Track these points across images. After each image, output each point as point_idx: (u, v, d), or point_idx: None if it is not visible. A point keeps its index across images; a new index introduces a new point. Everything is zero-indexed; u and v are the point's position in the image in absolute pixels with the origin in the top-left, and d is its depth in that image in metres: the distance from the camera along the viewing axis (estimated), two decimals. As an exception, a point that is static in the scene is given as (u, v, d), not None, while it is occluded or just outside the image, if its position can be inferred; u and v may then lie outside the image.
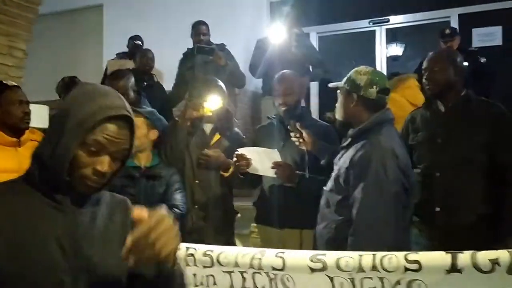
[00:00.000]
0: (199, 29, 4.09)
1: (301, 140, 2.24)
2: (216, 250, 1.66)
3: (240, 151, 2.38)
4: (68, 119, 0.98)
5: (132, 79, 2.90)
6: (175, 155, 2.49)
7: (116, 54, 4.85)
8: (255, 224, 2.58)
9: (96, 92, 1.03)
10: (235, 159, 2.36)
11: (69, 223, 1.00)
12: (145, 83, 3.97)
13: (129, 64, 4.25)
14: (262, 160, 2.31)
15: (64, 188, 1.01)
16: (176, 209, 2.30)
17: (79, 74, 4.06)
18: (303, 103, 2.75)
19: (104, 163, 1.00)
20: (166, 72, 4.26)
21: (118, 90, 2.87)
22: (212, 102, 2.47)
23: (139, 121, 2.35)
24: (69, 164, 0.98)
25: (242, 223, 3.86)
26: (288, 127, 2.30)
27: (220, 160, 2.50)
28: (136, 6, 5.87)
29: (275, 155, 2.29)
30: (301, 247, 2.27)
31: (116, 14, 5.98)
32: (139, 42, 4.86)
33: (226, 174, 2.50)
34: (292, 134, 2.28)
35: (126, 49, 4.89)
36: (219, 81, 2.65)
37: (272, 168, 2.27)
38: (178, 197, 2.35)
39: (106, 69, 4.59)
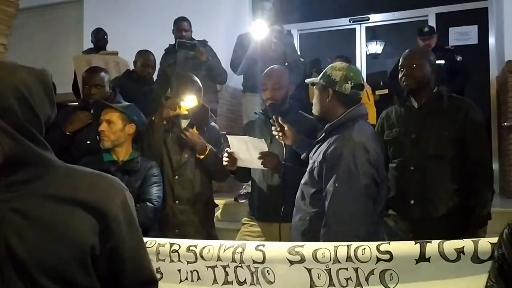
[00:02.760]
0: (181, 25, 4.07)
1: (280, 135, 2.27)
2: (200, 244, 1.68)
3: (229, 138, 2.40)
4: None
5: (108, 75, 2.91)
6: (152, 153, 2.51)
7: (83, 52, 4.79)
8: (247, 219, 2.59)
9: None
10: (225, 154, 2.38)
11: None
12: (145, 90, 3.76)
13: (96, 59, 4.17)
14: (249, 150, 2.32)
15: None
16: (149, 203, 2.30)
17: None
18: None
19: None
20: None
21: (95, 82, 2.83)
22: (189, 101, 2.51)
23: (114, 116, 2.36)
24: None
25: (225, 217, 3.90)
26: (271, 121, 2.32)
27: (197, 141, 2.53)
28: (116, 1, 5.82)
29: (262, 145, 2.31)
30: (280, 239, 2.28)
31: (96, 9, 5.91)
32: (105, 36, 4.79)
33: (202, 157, 2.53)
34: (273, 128, 2.30)
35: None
36: (195, 77, 2.68)
37: (259, 158, 2.29)
38: (154, 191, 2.35)
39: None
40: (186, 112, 2.54)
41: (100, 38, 4.86)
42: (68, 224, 0.97)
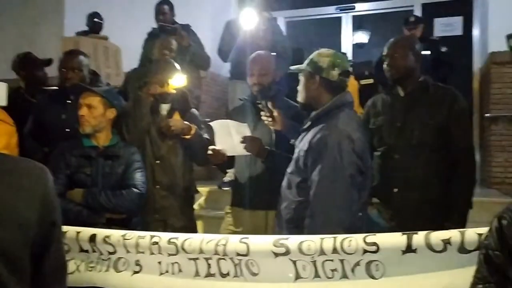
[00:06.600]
0: (161, 8, 3.98)
1: (270, 120, 2.22)
2: (181, 237, 1.63)
3: (212, 124, 2.36)
4: None
5: (87, 59, 2.80)
6: (138, 131, 2.44)
7: (76, 33, 4.64)
8: (229, 207, 2.55)
9: None
10: (210, 152, 2.32)
11: None
12: None
13: (84, 42, 4.04)
14: (232, 135, 2.28)
15: None
16: (134, 189, 2.24)
17: (39, 52, 3.86)
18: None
19: None
20: (129, 51, 4.11)
21: (72, 65, 2.74)
22: (177, 80, 2.45)
23: (95, 101, 2.27)
24: None
25: (208, 205, 3.85)
26: (260, 106, 2.27)
27: (181, 124, 2.49)
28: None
29: (244, 129, 2.27)
30: (266, 227, 2.28)
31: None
32: (100, 21, 4.65)
33: (188, 137, 2.50)
34: (262, 113, 2.25)
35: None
36: (174, 62, 2.61)
37: (241, 142, 2.24)
38: (137, 177, 2.29)
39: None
40: (173, 91, 2.48)
41: (95, 22, 4.66)
42: (15, 206, 0.98)
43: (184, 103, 2.60)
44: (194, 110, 2.70)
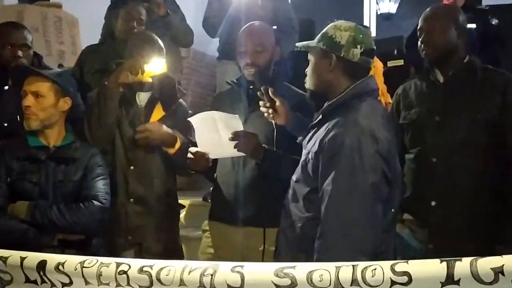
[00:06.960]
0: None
1: (270, 111, 2.22)
2: (157, 264, 1.62)
3: (193, 120, 2.35)
4: None
5: (31, 35, 2.82)
6: (104, 131, 2.44)
7: (19, 1, 4.66)
8: (208, 222, 2.58)
9: None
10: (190, 156, 2.33)
11: None
12: None
13: (30, 11, 4.04)
14: (219, 131, 2.27)
15: None
16: (95, 201, 2.25)
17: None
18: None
19: None
20: (90, 22, 4.11)
21: (22, 41, 2.75)
22: (155, 65, 2.44)
23: (44, 87, 2.28)
24: None
25: (190, 222, 3.86)
26: (258, 93, 2.26)
27: (163, 133, 2.47)
28: None
29: (235, 122, 2.27)
30: (263, 250, 2.29)
31: None
32: None
33: (172, 151, 2.48)
34: (261, 103, 2.24)
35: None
36: (155, 36, 2.61)
37: (232, 139, 2.23)
38: (99, 186, 2.31)
39: None
40: (149, 80, 2.47)
41: None
42: None
43: (170, 91, 2.59)
44: (181, 101, 2.69)
